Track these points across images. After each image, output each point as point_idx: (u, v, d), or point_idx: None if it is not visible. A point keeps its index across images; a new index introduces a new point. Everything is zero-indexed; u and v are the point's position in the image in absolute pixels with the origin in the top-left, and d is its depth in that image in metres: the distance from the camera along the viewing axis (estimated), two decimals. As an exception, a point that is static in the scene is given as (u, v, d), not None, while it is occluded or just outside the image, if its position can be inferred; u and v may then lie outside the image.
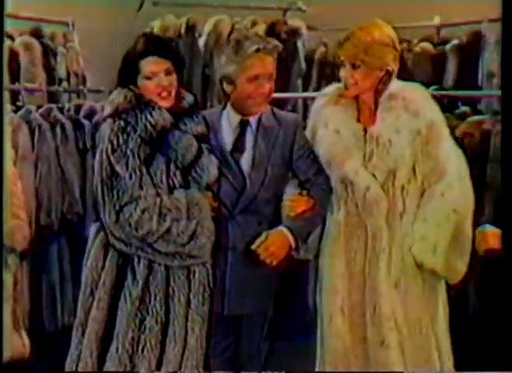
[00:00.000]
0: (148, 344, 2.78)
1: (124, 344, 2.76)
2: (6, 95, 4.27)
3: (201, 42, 5.21)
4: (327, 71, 5.55)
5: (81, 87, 5.25)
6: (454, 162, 2.94)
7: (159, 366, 2.79)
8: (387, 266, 2.92)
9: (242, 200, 2.94)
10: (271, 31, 5.30)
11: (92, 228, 2.91)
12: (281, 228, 2.92)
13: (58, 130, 4.29)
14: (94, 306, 2.81)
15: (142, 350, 2.78)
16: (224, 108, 3.03)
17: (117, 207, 2.72)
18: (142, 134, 2.77)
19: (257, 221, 2.94)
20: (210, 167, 2.84)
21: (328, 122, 2.99)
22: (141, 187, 2.73)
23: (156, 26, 5.34)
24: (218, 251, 2.87)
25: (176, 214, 2.75)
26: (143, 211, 2.71)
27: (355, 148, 2.94)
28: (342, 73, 2.93)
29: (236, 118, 2.97)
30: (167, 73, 2.80)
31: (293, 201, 2.95)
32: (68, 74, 5.33)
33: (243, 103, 2.93)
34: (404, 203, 2.91)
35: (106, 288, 2.81)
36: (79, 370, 2.82)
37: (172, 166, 2.79)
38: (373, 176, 2.92)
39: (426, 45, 5.46)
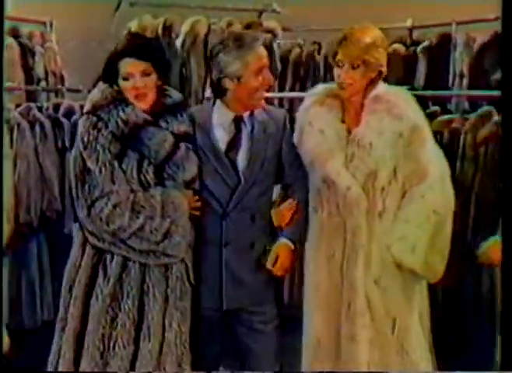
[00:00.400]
0: (119, 341, 2.79)
1: (95, 341, 2.78)
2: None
3: (178, 42, 5.17)
4: (302, 72, 5.61)
5: (59, 86, 5.26)
6: (435, 164, 2.96)
7: (133, 363, 2.81)
8: (365, 263, 2.94)
9: (235, 197, 2.94)
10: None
11: (75, 227, 2.93)
12: (284, 240, 2.99)
13: (37, 128, 4.33)
14: (71, 303, 2.84)
15: (114, 347, 2.79)
16: (213, 105, 3.02)
17: (89, 202, 2.75)
18: (114, 129, 2.78)
19: (250, 215, 2.96)
20: (186, 164, 2.84)
21: (313, 122, 3.00)
22: (113, 182, 2.75)
23: (133, 27, 5.21)
24: (198, 247, 2.90)
25: (150, 211, 2.75)
26: (114, 206, 2.73)
27: (338, 148, 2.95)
28: (338, 73, 2.91)
29: (229, 116, 2.97)
30: (144, 74, 2.80)
31: (281, 211, 3.01)
32: (47, 74, 5.31)
33: (248, 97, 2.92)
34: (384, 203, 2.93)
35: (82, 285, 2.83)
36: (60, 365, 2.84)
37: (145, 163, 2.79)
38: (354, 176, 2.94)
39: (398, 46, 5.44)
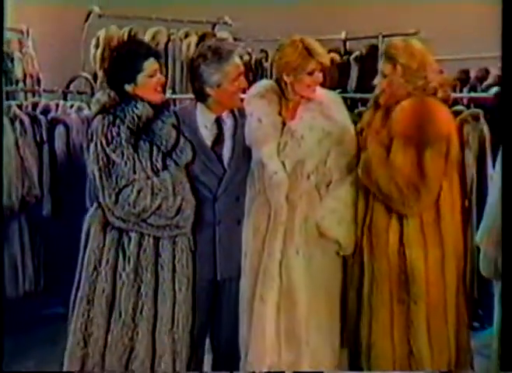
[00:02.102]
0: (145, 307, 3.00)
1: (127, 309, 2.98)
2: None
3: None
4: (251, 76, 5.70)
5: (36, 87, 5.37)
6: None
7: (155, 322, 3.02)
8: (283, 237, 3.02)
9: (222, 184, 3.07)
10: (202, 42, 5.20)
11: (89, 213, 3.09)
12: None
13: (17, 124, 4.42)
14: (99, 280, 2.99)
15: (141, 312, 3.00)
16: (195, 105, 3.14)
17: (117, 190, 2.89)
18: (130, 125, 2.93)
19: (236, 197, 3.11)
20: (187, 150, 3.01)
21: (254, 111, 3.08)
22: (134, 172, 2.90)
23: (101, 36, 5.51)
24: (195, 228, 3.06)
25: (164, 192, 2.92)
26: (138, 192, 2.88)
27: (273, 136, 3.05)
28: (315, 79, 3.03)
29: (211, 117, 3.10)
30: (160, 72, 3.06)
31: None
32: (25, 76, 5.44)
33: (227, 101, 3.06)
34: (306, 187, 3.04)
35: (109, 264, 2.99)
36: (92, 331, 3.00)
37: (154, 152, 2.96)
38: (283, 163, 3.03)
39: (334, 55, 5.67)
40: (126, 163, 2.90)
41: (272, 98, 3.11)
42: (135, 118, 2.95)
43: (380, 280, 2.96)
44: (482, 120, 4.49)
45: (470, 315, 3.21)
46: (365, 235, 3.01)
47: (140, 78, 3.01)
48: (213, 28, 5.98)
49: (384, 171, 2.91)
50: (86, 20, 5.49)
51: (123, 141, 2.91)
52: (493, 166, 3.71)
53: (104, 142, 2.91)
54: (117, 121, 2.93)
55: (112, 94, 3.02)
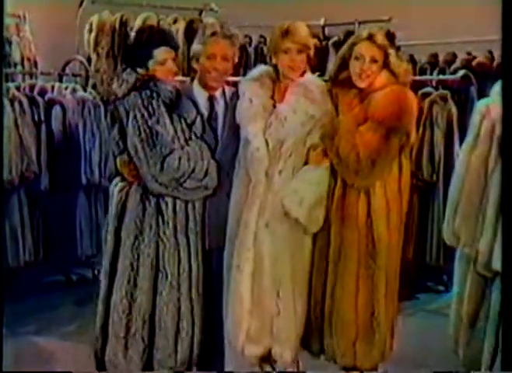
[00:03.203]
0: (186, 268, 3.11)
1: (174, 272, 3.09)
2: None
3: (132, 35, 4.92)
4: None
5: (33, 70, 5.39)
6: None
7: (190, 283, 3.13)
8: (259, 209, 3.06)
9: (216, 155, 3.14)
10: (190, 27, 5.59)
11: (118, 187, 3.17)
12: None
13: (16, 105, 4.49)
14: (142, 247, 3.09)
15: (183, 274, 3.11)
16: (191, 82, 3.24)
17: (161, 158, 3.01)
18: (166, 99, 3.05)
19: (226, 172, 3.16)
20: (201, 123, 3.13)
21: (246, 92, 3.13)
22: (173, 141, 3.03)
23: (94, 21, 5.55)
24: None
25: (194, 157, 3.05)
26: (179, 159, 3.02)
27: (261, 116, 3.08)
28: (286, 58, 3.04)
29: (204, 94, 3.18)
30: (173, 60, 3.12)
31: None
32: (22, 59, 5.48)
33: (204, 78, 3.14)
34: (284, 165, 3.06)
35: (153, 230, 3.09)
36: (137, 297, 3.09)
37: (183, 124, 3.08)
38: (266, 141, 3.07)
39: (314, 40, 5.92)
40: (168, 133, 3.02)
41: (265, 81, 3.16)
42: (168, 94, 3.07)
43: (348, 250, 3.02)
44: (450, 100, 4.69)
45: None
46: (334, 206, 3.05)
47: (151, 64, 3.11)
48: (200, 14, 6.01)
49: (350, 138, 2.98)
50: (80, 5, 5.52)
51: (164, 113, 3.02)
52: (460, 144, 3.85)
53: (146, 114, 3.00)
54: (155, 95, 3.03)
55: (138, 75, 3.09)
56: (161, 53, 3.10)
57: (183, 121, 3.09)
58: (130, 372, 3.13)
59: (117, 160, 3.20)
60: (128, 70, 3.13)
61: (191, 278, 3.15)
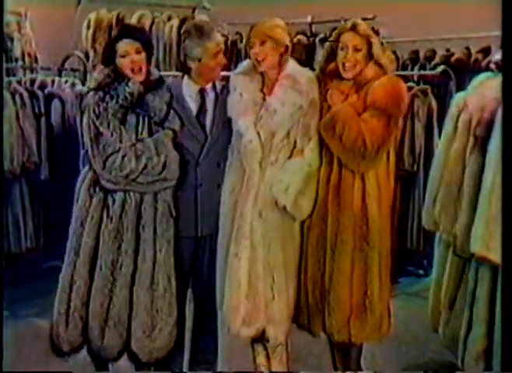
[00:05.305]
0: (124, 263, 3.05)
1: (107, 264, 3.04)
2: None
3: None
4: (227, 56, 5.85)
5: (34, 65, 5.37)
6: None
7: (133, 278, 3.06)
8: (254, 199, 3.06)
9: (204, 150, 3.12)
10: (183, 24, 5.23)
11: (80, 176, 3.16)
12: None
13: (17, 98, 4.46)
14: (84, 235, 3.05)
15: (120, 268, 3.05)
16: (182, 78, 3.19)
17: (104, 157, 2.98)
18: (122, 101, 3.00)
19: (217, 163, 3.15)
20: (176, 119, 3.09)
21: (237, 86, 3.12)
22: (120, 141, 2.99)
23: (92, 18, 5.54)
24: (177, 191, 3.11)
25: (148, 153, 3.00)
26: (123, 157, 2.97)
27: (252, 110, 3.07)
28: (252, 52, 3.03)
29: (195, 88, 3.14)
30: (137, 52, 3.03)
31: None
32: (23, 55, 5.45)
33: (207, 74, 3.11)
34: (276, 156, 3.06)
35: (94, 221, 3.04)
36: (76, 280, 3.06)
37: (140, 123, 3.05)
38: (258, 133, 3.05)
39: (301, 37, 5.84)
40: (112, 134, 2.99)
41: (255, 75, 3.13)
42: (128, 96, 3.02)
43: (344, 235, 3.02)
44: (430, 94, 4.70)
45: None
46: (331, 193, 3.04)
47: (117, 59, 3.06)
48: (193, 12, 5.97)
49: (353, 125, 2.94)
50: (79, 4, 5.51)
51: (109, 115, 2.99)
52: (439, 136, 3.84)
53: (93, 116, 2.99)
54: (107, 97, 3.01)
55: (106, 72, 3.07)
56: (122, 45, 3.04)
57: (141, 120, 3.05)
58: None
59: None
60: (98, 67, 3.13)
61: (134, 275, 3.07)
